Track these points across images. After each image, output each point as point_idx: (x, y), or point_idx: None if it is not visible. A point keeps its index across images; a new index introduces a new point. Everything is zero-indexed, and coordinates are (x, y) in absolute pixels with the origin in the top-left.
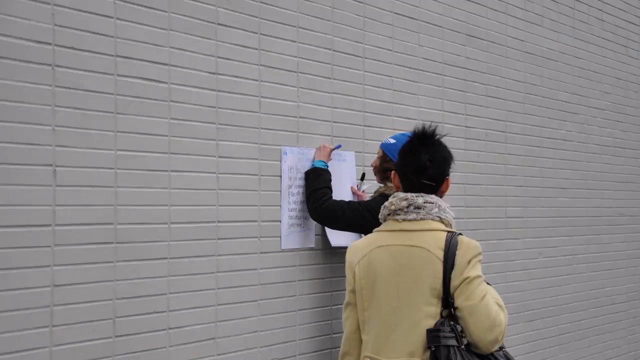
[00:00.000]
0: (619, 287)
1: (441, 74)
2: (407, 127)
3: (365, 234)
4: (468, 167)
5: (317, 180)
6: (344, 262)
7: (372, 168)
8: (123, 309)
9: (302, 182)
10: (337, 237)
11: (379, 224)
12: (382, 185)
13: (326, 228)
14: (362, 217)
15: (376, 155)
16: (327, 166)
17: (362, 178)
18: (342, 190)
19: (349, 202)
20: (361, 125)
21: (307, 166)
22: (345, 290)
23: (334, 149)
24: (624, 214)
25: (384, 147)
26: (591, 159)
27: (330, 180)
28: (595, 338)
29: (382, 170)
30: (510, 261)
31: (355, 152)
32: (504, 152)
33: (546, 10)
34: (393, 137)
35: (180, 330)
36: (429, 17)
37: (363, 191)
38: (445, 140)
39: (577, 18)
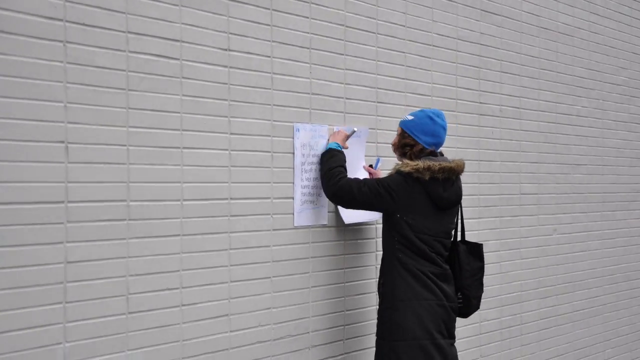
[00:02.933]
0: (634, 264)
1: (455, 50)
2: (421, 104)
3: (386, 214)
4: (482, 143)
5: (332, 160)
6: (356, 238)
7: (391, 146)
8: (136, 286)
9: (314, 159)
10: (350, 215)
11: (396, 203)
12: (399, 162)
13: (339, 207)
14: (379, 194)
15: (395, 133)
16: (342, 148)
17: (376, 163)
18: (357, 167)
19: (365, 179)
20: (374, 102)
21: (319, 143)
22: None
23: (349, 136)
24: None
25: (403, 124)
26: (606, 135)
27: (345, 161)
28: (609, 315)
29: (400, 147)
30: (524, 238)
31: (369, 128)
32: (519, 129)
33: None
34: (411, 114)
35: (193, 307)
36: None
37: (378, 169)
38: (458, 116)
39: None
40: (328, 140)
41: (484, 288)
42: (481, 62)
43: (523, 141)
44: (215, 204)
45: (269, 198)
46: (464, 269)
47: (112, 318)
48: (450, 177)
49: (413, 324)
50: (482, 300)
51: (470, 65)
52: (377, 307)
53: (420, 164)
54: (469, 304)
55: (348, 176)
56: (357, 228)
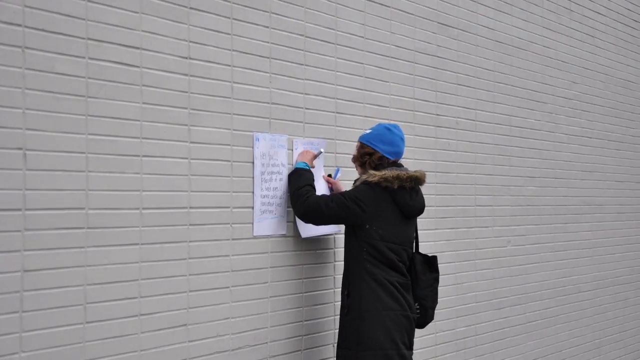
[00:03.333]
0: (584, 276)
1: (412, 62)
2: (379, 115)
3: (352, 225)
4: (438, 155)
5: (299, 180)
6: (315, 249)
7: (352, 161)
8: (94, 295)
9: (274, 169)
10: (307, 228)
11: (366, 214)
12: (364, 175)
13: (296, 219)
14: (346, 207)
15: (355, 146)
16: (309, 167)
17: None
18: (316, 176)
19: (332, 195)
20: (333, 112)
21: (279, 152)
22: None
23: (316, 156)
24: (591, 203)
25: (361, 138)
26: (559, 148)
27: (313, 180)
28: (561, 326)
29: (360, 157)
30: (479, 249)
31: (327, 139)
32: (474, 141)
33: None
34: (369, 129)
35: (152, 316)
36: (400, 4)
37: (338, 178)
38: (415, 128)
39: (545, 7)
40: (295, 160)
41: (439, 299)
42: (438, 75)
43: (478, 153)
44: (175, 212)
45: (228, 207)
46: (421, 279)
47: (70, 328)
48: (416, 187)
49: (380, 334)
50: (438, 311)
51: (427, 78)
52: (339, 317)
53: (388, 172)
54: (426, 314)
55: (316, 194)
56: (315, 239)
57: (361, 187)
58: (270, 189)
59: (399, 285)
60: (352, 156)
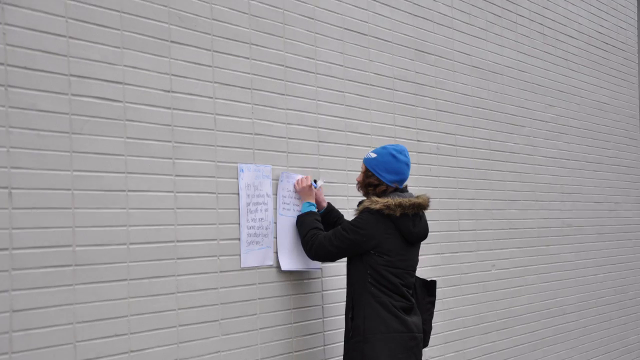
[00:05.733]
0: (568, 298)
1: (392, 89)
2: (361, 143)
3: (361, 254)
4: (420, 181)
5: (302, 227)
6: (302, 279)
7: (356, 183)
8: (84, 333)
9: (260, 200)
10: (287, 261)
11: (368, 242)
12: (367, 200)
13: (278, 251)
14: (349, 240)
15: (360, 171)
16: (314, 205)
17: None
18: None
19: (334, 231)
20: (315, 141)
21: (263, 183)
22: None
23: (313, 186)
24: (572, 225)
25: (367, 162)
26: (538, 171)
27: (317, 219)
28: (548, 349)
29: (365, 185)
30: (464, 274)
31: (310, 168)
32: (455, 166)
33: (490, 24)
34: (374, 152)
35: (142, 352)
36: (378, 32)
37: (319, 188)
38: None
39: (519, 32)
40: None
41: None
42: (417, 101)
43: (460, 178)
44: (162, 247)
45: (215, 239)
46: (421, 303)
47: None
48: (418, 213)
49: (385, 357)
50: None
51: (407, 104)
52: (343, 341)
53: (391, 200)
54: (427, 338)
55: (321, 235)
56: (303, 269)
57: (363, 215)
58: (257, 220)
59: (404, 307)
60: (356, 179)
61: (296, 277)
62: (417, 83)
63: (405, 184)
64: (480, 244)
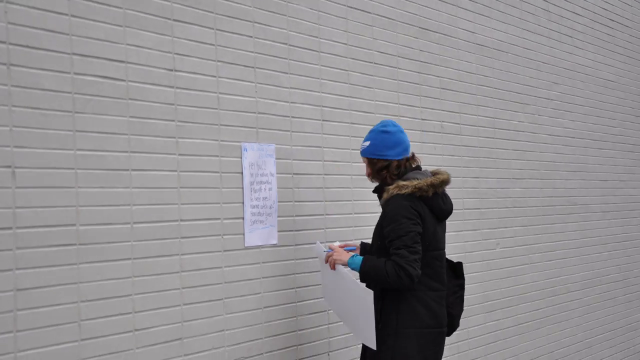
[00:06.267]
0: (572, 276)
1: (396, 67)
2: (365, 121)
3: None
4: (425, 159)
5: (372, 274)
6: (307, 257)
7: (367, 178)
8: (88, 312)
9: (263, 179)
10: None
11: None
12: (392, 187)
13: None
14: (416, 234)
15: (364, 165)
16: (355, 256)
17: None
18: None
19: (394, 243)
20: (319, 120)
21: (267, 162)
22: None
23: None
24: (576, 203)
25: (364, 152)
26: (543, 149)
27: (366, 258)
28: (552, 326)
29: (377, 172)
30: (469, 252)
31: (313, 146)
32: (459, 144)
33: (494, 1)
34: (365, 140)
35: (146, 331)
36: (381, 10)
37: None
38: None
39: (524, 9)
40: (332, 259)
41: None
42: (421, 79)
43: (464, 156)
44: (166, 226)
45: (219, 219)
46: (448, 286)
47: (65, 346)
48: (444, 189)
49: (415, 353)
50: None
51: (411, 82)
52: None
53: (422, 182)
54: (452, 323)
55: (383, 264)
56: (307, 246)
57: (398, 204)
58: (260, 199)
59: (437, 297)
60: (365, 174)
61: (300, 256)
62: (421, 61)
63: (411, 152)
64: (485, 223)
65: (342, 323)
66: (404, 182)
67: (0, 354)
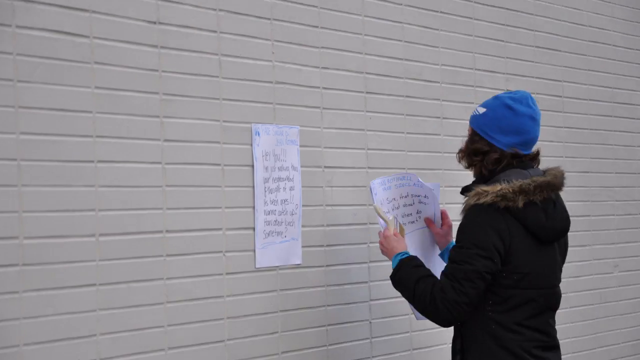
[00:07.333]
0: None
1: (471, 17)
2: (426, 94)
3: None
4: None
5: (400, 286)
6: (343, 283)
7: (456, 155)
8: (32, 358)
9: (283, 174)
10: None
11: (497, 261)
12: (472, 191)
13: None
14: (479, 274)
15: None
16: (402, 253)
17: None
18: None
19: (449, 270)
20: (362, 92)
21: (288, 151)
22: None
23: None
24: None
25: (473, 121)
26: None
27: (416, 265)
28: None
29: (469, 154)
30: (573, 278)
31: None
32: (562, 125)
33: None
34: (482, 105)
35: None
36: None
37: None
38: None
39: None
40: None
41: None
42: (507, 35)
43: (567, 143)
44: (145, 239)
45: (219, 229)
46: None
47: None
48: (551, 196)
49: None
50: None
51: (492, 39)
52: None
53: (505, 186)
54: None
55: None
56: (342, 268)
57: (471, 220)
58: (278, 202)
59: (536, 350)
60: (458, 149)
61: (333, 281)
62: (506, 9)
63: (535, 149)
64: (597, 236)
65: None
66: (486, 188)
67: None
